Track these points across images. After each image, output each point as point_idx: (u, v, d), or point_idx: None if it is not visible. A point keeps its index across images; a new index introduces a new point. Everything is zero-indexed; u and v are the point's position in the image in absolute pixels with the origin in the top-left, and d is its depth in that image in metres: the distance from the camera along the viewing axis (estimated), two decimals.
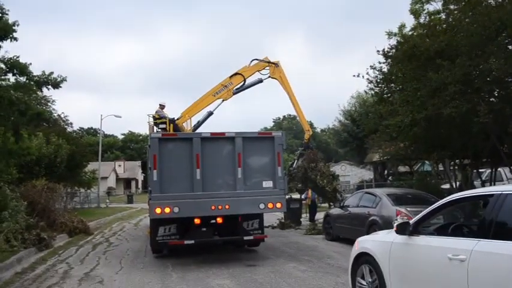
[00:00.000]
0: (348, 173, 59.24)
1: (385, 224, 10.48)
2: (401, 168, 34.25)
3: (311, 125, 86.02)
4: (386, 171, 36.34)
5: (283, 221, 17.79)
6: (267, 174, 10.03)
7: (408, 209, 10.37)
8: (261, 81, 17.38)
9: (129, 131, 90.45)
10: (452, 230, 4.77)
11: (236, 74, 16.94)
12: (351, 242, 12.29)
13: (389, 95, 13.00)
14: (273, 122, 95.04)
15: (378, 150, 28.53)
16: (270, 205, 9.83)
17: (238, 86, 17.03)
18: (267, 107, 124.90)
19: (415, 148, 14.00)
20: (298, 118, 17.47)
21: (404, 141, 12.96)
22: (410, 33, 12.50)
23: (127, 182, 72.86)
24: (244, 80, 17.02)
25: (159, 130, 15.40)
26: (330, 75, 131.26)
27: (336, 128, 40.91)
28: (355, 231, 12.10)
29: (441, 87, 9.49)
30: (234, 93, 16.97)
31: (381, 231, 6.72)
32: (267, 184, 9.95)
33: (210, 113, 17.15)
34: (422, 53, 10.09)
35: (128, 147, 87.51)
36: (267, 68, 17.27)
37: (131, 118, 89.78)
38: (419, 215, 5.04)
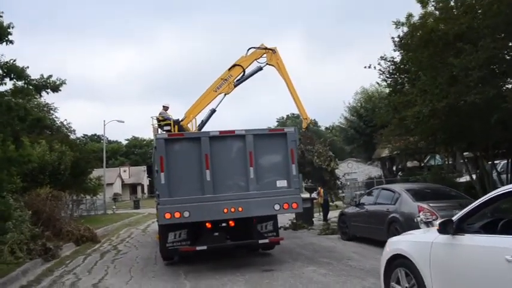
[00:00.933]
0: (355, 170, 58.49)
1: (407, 221, 9.95)
2: (409, 163, 33.61)
3: (315, 123, 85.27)
4: (395, 167, 35.69)
5: (295, 221, 17.24)
6: (280, 173, 9.47)
7: (431, 204, 9.80)
8: (260, 69, 17.02)
9: (133, 136, 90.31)
10: (502, 227, 4.23)
11: (234, 65, 16.57)
12: (368, 242, 11.88)
13: (402, 85, 12.46)
14: (277, 121, 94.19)
15: (387, 146, 27.94)
16: (286, 206, 9.29)
17: (238, 77, 16.64)
18: (269, 107, 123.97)
19: (431, 140, 13.41)
20: (295, 105, 16.94)
21: (422, 133, 12.36)
22: (418, 22, 11.87)
23: (133, 188, 72.54)
24: (244, 71, 16.64)
25: (164, 132, 14.92)
26: (330, 74, 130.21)
27: (342, 125, 40.19)
28: (373, 230, 11.62)
29: (463, 73, 8.92)
30: (235, 86, 16.60)
31: (414, 230, 6.14)
32: (281, 183, 9.40)
33: (213, 111, 16.74)
34: (440, 37, 9.51)
35: (132, 152, 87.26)
36: (265, 56, 16.83)
37: (134, 124, 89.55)
38: (464, 210, 4.48)
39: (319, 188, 19.26)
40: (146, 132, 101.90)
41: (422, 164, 30.71)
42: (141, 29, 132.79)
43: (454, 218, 4.45)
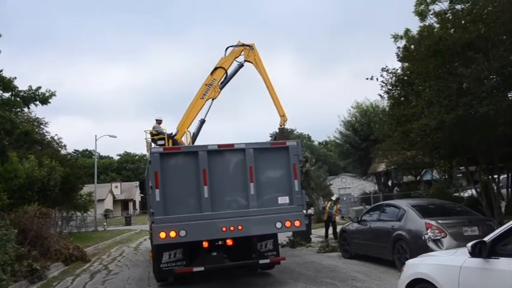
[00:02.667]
0: (349, 185, 58.15)
1: (413, 239, 9.52)
2: (404, 178, 33.30)
3: (308, 138, 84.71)
4: (390, 182, 35.34)
5: (292, 238, 16.66)
6: (282, 189, 8.98)
7: (439, 221, 9.33)
8: (241, 65, 16.73)
9: (125, 152, 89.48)
10: None
11: (216, 68, 16.29)
12: (372, 260, 11.37)
13: (406, 97, 12.10)
14: (270, 136, 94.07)
15: (383, 160, 27.62)
16: (288, 223, 8.77)
17: (222, 79, 16.35)
18: (262, 124, 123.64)
19: (434, 154, 13.02)
20: (272, 102, 16.50)
21: (426, 146, 11.97)
22: (425, 32, 11.58)
23: (124, 204, 71.47)
24: (226, 72, 16.36)
25: (158, 146, 14.41)
26: (323, 90, 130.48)
27: (337, 140, 39.93)
28: (377, 248, 11.13)
29: (474, 84, 8.54)
30: (220, 89, 16.35)
31: (437, 252, 5.67)
32: (283, 200, 8.90)
33: (203, 121, 16.43)
34: (448, 47, 9.17)
35: (124, 167, 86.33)
36: (243, 53, 16.57)
37: (126, 139, 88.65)
38: (498, 230, 4.02)
39: (327, 202, 18.59)
40: (138, 147, 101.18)
41: (418, 178, 30.44)
42: (133, 46, 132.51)
43: (487, 239, 3.98)
